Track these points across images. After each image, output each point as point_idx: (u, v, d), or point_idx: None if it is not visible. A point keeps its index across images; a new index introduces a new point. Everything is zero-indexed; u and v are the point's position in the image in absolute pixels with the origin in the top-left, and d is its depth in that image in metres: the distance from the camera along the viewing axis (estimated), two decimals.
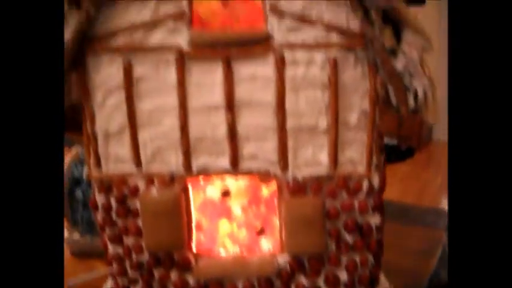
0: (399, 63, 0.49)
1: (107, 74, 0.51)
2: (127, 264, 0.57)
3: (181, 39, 0.49)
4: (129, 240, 0.56)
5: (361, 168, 0.53)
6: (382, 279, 0.63)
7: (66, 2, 0.48)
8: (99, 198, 0.55)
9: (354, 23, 0.49)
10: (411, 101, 0.51)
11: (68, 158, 0.85)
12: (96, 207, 0.56)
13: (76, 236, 0.86)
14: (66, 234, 0.85)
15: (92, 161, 0.54)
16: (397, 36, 0.50)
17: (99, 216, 0.56)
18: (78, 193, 0.84)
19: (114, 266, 0.58)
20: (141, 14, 0.49)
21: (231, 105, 0.50)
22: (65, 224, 0.85)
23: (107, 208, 0.55)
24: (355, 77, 0.50)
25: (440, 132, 3.58)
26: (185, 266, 0.56)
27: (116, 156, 0.54)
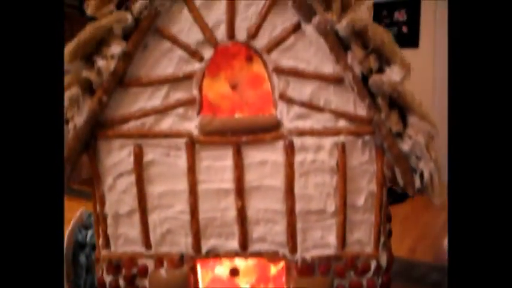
0: (405, 146, 0.50)
1: (117, 158, 0.52)
2: None
3: (192, 125, 0.51)
4: None
5: (369, 249, 0.54)
6: None
7: (80, 88, 0.49)
8: (107, 278, 0.55)
9: (361, 109, 0.50)
10: (417, 183, 0.52)
11: (72, 221, 0.85)
12: (103, 286, 0.56)
13: None
14: None
15: (101, 241, 0.55)
16: (404, 120, 0.51)
17: None
18: (82, 258, 0.83)
19: None
20: (152, 100, 0.50)
21: (240, 190, 0.51)
22: None
23: (115, 287, 0.55)
24: (363, 161, 0.51)
25: (442, 172, 3.60)
26: None
27: (126, 237, 0.54)
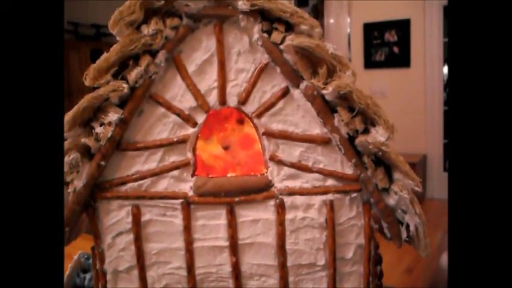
0: (391, 201, 0.53)
1: (116, 218, 0.54)
2: None
3: (187, 186, 0.53)
4: None
5: None
6: None
7: (79, 153, 0.52)
8: None
9: (348, 168, 0.52)
10: (404, 234, 0.54)
11: (70, 265, 0.86)
12: None
13: None
14: None
15: None
16: (389, 176, 0.53)
17: None
18: None
19: None
20: (148, 163, 0.53)
21: (234, 246, 0.53)
22: None
23: None
24: (351, 217, 0.53)
25: (434, 191, 3.62)
26: None
27: None
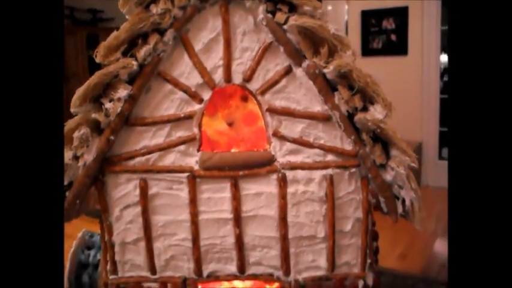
0: (388, 176, 0.55)
1: (124, 191, 0.56)
2: None
3: (193, 160, 0.55)
4: None
5: (356, 270, 0.58)
6: None
7: (89, 128, 0.54)
8: None
9: (348, 144, 0.55)
10: (400, 209, 0.57)
11: (75, 242, 0.89)
12: None
13: None
14: None
15: (108, 267, 0.59)
16: (387, 152, 0.56)
17: None
18: (85, 277, 0.87)
19: None
20: (156, 138, 0.55)
21: (238, 219, 0.56)
22: None
23: None
24: (349, 191, 0.56)
25: (429, 179, 3.66)
26: None
27: (132, 263, 0.58)
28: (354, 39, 3.74)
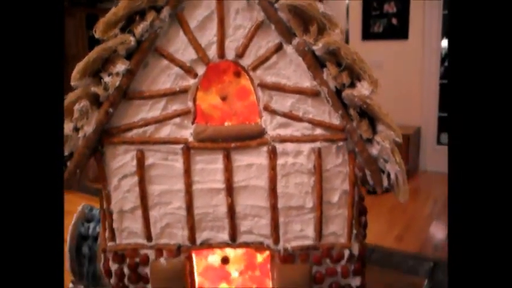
0: (374, 151, 0.58)
1: (122, 162, 0.59)
2: None
3: (187, 133, 0.58)
4: None
5: (343, 240, 0.61)
6: None
7: (89, 101, 0.56)
8: (113, 267, 0.63)
9: (335, 119, 0.57)
10: (385, 182, 0.59)
11: (75, 215, 0.92)
12: (109, 274, 0.63)
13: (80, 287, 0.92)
14: (71, 286, 0.91)
15: (107, 234, 0.62)
16: (373, 127, 0.58)
17: (112, 282, 0.63)
18: (85, 249, 0.90)
19: None
20: (152, 111, 0.57)
21: (230, 189, 0.58)
22: (71, 277, 0.91)
23: (120, 275, 0.63)
24: (337, 164, 0.58)
25: (427, 163, 3.69)
26: None
27: (129, 231, 0.61)
28: (355, 22, 3.74)
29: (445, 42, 3.77)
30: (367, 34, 3.73)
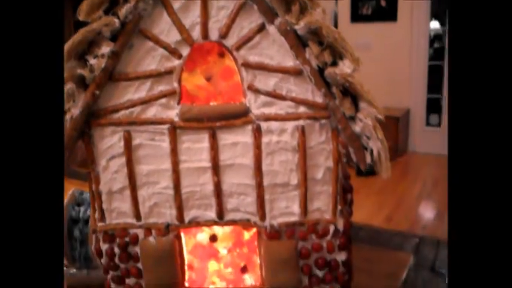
0: (357, 128, 0.59)
1: (110, 143, 0.60)
2: None
3: (173, 113, 0.59)
4: (130, 281, 0.65)
5: (328, 215, 0.63)
6: None
7: (75, 83, 0.57)
8: (104, 246, 0.64)
9: (318, 97, 0.58)
10: (368, 159, 0.61)
11: (65, 200, 0.93)
12: (100, 254, 0.64)
13: (73, 270, 0.93)
14: (64, 269, 0.93)
15: (97, 215, 0.63)
16: (355, 105, 0.59)
17: (103, 262, 0.65)
18: (76, 232, 0.91)
19: None
20: (138, 92, 0.58)
21: (216, 167, 0.60)
22: (64, 260, 0.93)
23: (111, 254, 0.64)
24: (320, 141, 0.60)
25: (416, 145, 3.72)
26: None
27: (118, 211, 0.62)
28: (344, 5, 3.74)
29: (433, 24, 3.78)
30: (356, 16, 3.72)
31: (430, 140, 3.61)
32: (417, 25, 3.61)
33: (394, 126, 3.28)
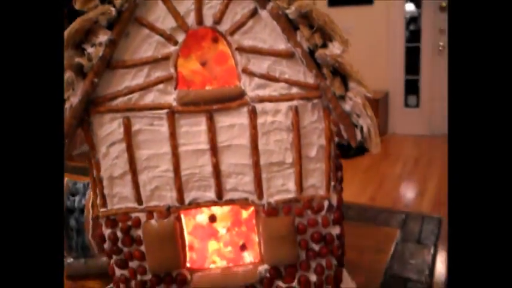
0: (347, 106, 0.62)
1: (109, 129, 0.61)
2: (132, 284, 0.68)
3: (171, 98, 0.61)
4: (134, 264, 0.67)
5: (322, 191, 0.65)
6: (345, 276, 0.76)
7: (74, 72, 0.58)
8: (106, 231, 0.66)
9: (310, 78, 0.61)
10: (359, 135, 0.64)
11: None
12: (103, 240, 0.66)
13: (70, 259, 0.95)
14: None
15: (98, 200, 0.65)
16: (345, 84, 0.62)
17: (106, 246, 0.66)
18: (72, 221, 0.92)
19: (121, 286, 0.68)
20: (136, 79, 0.60)
21: (214, 149, 0.62)
22: None
23: (113, 239, 0.66)
24: (313, 120, 0.62)
25: (396, 126, 3.79)
26: (182, 281, 0.68)
27: (120, 196, 0.64)
28: None
29: (409, 6, 3.82)
30: (333, 1, 3.75)
31: (409, 121, 3.68)
32: (393, 8, 3.66)
33: (374, 108, 3.30)
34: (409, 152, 3.39)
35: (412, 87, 3.81)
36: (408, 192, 2.93)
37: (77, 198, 0.94)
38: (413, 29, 3.98)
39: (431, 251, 0.99)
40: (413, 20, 4.00)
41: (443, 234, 1.07)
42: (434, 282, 0.90)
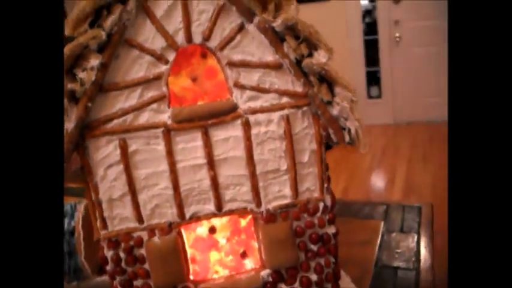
0: (335, 111, 0.64)
1: (106, 152, 0.61)
2: None
3: (165, 116, 0.61)
4: (138, 283, 0.67)
5: (316, 194, 0.68)
6: (342, 273, 0.79)
7: (67, 98, 0.58)
8: (108, 253, 0.66)
9: (298, 86, 0.63)
10: (347, 137, 0.66)
11: None
12: (105, 262, 0.66)
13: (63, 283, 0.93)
14: None
15: (98, 224, 0.65)
16: (332, 91, 0.64)
17: (109, 268, 0.67)
18: (64, 246, 0.91)
19: None
20: (129, 100, 0.60)
21: (211, 163, 0.63)
22: None
23: (116, 260, 0.66)
24: (304, 127, 0.64)
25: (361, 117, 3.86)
26: None
27: (120, 217, 0.64)
28: None
29: (363, 1, 3.91)
30: None
31: (373, 112, 3.77)
32: (349, 3, 3.73)
33: None
34: (376, 141, 3.47)
35: (373, 79, 3.90)
36: (378, 182, 3.00)
37: (66, 220, 0.93)
38: (369, 22, 4.07)
39: (415, 238, 1.04)
40: (368, 13, 4.09)
41: (423, 221, 1.11)
42: (421, 268, 0.94)
